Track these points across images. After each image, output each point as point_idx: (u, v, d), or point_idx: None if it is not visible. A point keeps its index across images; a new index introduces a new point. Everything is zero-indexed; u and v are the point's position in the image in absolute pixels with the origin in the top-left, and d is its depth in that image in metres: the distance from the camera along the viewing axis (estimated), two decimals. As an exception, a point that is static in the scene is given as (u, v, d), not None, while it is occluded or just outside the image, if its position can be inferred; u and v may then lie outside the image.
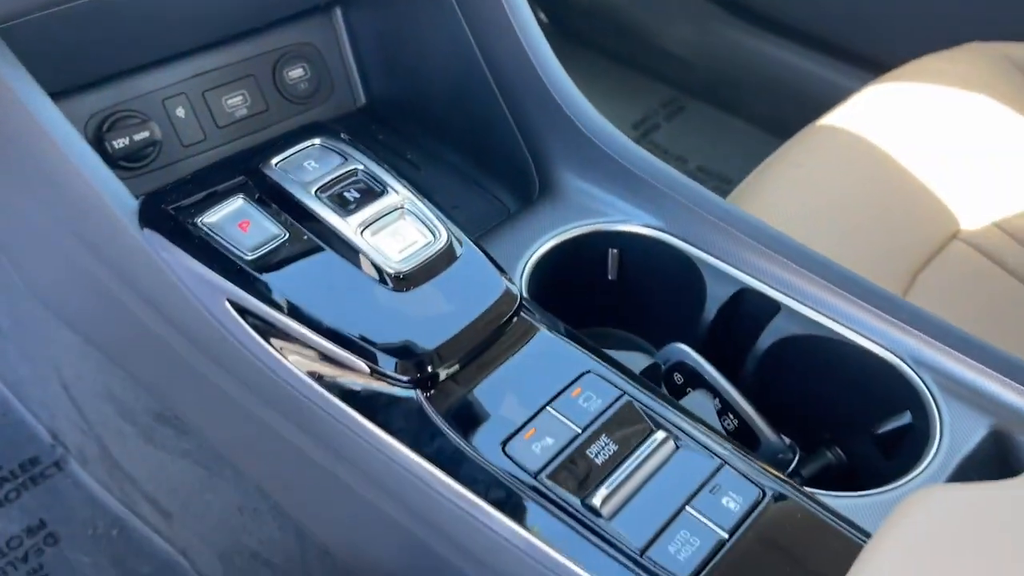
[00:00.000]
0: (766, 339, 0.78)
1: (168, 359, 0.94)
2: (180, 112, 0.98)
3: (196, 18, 0.95)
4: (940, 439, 0.68)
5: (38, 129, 0.76)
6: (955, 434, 0.68)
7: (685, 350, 0.78)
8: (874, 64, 1.55)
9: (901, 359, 0.73)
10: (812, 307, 0.77)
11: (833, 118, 1.20)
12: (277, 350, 0.69)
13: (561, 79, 0.88)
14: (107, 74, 0.94)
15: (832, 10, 1.69)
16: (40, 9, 0.77)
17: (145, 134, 0.95)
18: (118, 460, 1.17)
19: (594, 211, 0.85)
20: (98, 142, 0.93)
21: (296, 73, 1.05)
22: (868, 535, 0.60)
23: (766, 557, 0.59)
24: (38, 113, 0.76)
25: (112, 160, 0.93)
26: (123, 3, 0.84)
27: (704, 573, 0.58)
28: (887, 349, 0.73)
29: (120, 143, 0.94)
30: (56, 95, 0.79)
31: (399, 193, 0.73)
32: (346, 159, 0.75)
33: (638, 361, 0.78)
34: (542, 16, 2.11)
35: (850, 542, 0.60)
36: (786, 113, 1.53)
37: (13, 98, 0.76)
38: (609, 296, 0.88)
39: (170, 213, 0.72)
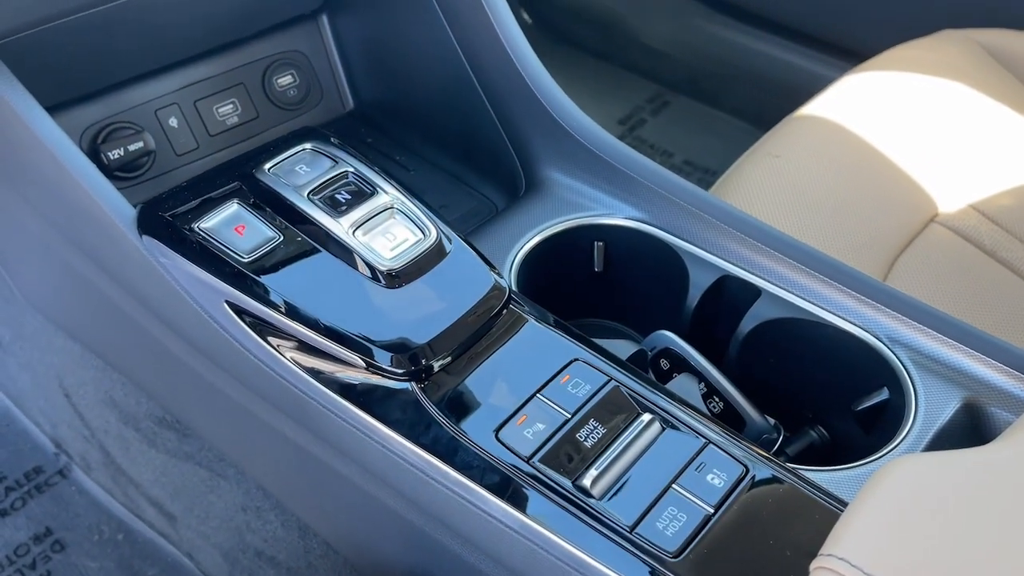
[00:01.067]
0: (748, 323, 0.80)
1: (169, 363, 0.97)
2: (173, 122, 1.01)
3: (186, 29, 0.97)
4: (916, 413, 0.71)
5: (36, 142, 0.78)
6: (930, 407, 0.71)
7: (670, 337, 0.80)
8: (850, 53, 1.57)
9: (877, 338, 0.75)
10: (792, 291, 0.79)
11: (811, 108, 1.23)
12: (275, 348, 0.72)
13: (543, 78, 0.90)
14: (101, 87, 0.96)
15: (807, 2, 1.72)
16: (34, 26, 0.80)
17: (139, 144, 0.97)
18: (121, 465, 1.19)
19: (579, 205, 0.87)
20: (93, 154, 0.95)
21: (285, 80, 1.07)
22: (846, 505, 0.62)
23: (750, 530, 0.62)
24: (35, 126, 0.78)
25: (108, 171, 0.96)
26: (114, 17, 0.86)
27: (692, 547, 0.60)
28: (864, 329, 0.76)
29: (115, 154, 0.96)
30: (51, 109, 0.81)
31: (389, 193, 0.75)
32: (337, 162, 0.77)
33: (625, 349, 0.81)
34: (525, 17, 2.13)
35: (830, 512, 0.63)
36: (767, 104, 1.56)
37: (10, 113, 0.78)
38: (596, 287, 0.90)
39: (168, 220, 0.74)
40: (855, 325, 0.76)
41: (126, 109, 0.98)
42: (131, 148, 0.97)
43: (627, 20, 2.00)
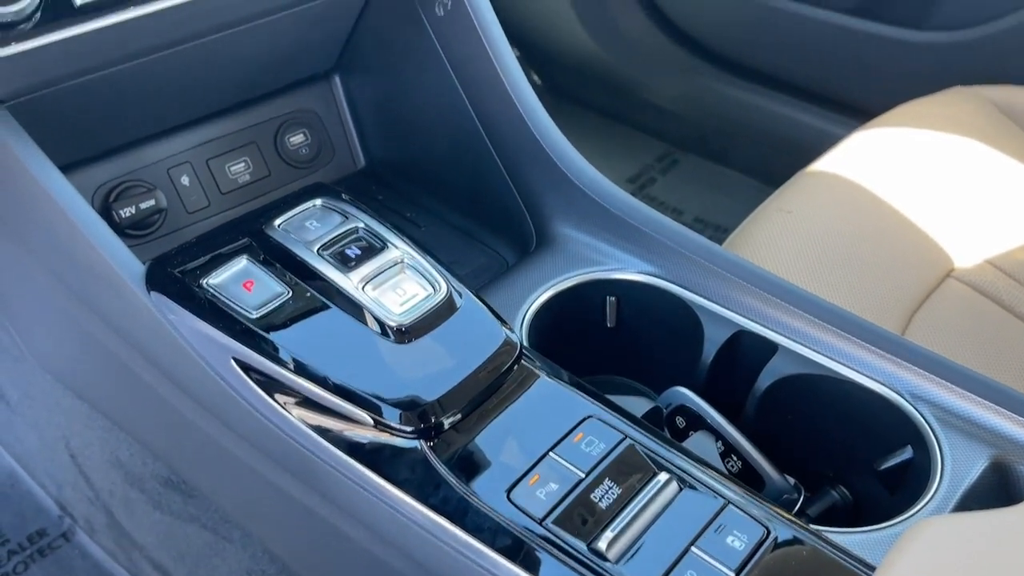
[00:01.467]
0: (765, 380, 0.79)
1: (175, 422, 0.95)
2: (185, 180, 1.01)
3: (200, 90, 0.98)
4: (942, 472, 0.69)
5: (48, 201, 0.78)
6: (956, 467, 0.69)
7: (686, 393, 0.78)
8: (859, 111, 1.58)
9: (899, 394, 0.73)
10: (809, 347, 0.77)
11: (823, 164, 1.23)
12: (282, 406, 0.70)
13: (553, 134, 0.91)
14: (114, 146, 0.96)
15: (814, 60, 1.74)
16: (48, 86, 0.80)
17: (151, 202, 0.97)
18: (125, 528, 1.17)
19: (591, 260, 0.87)
20: (105, 212, 0.95)
21: (297, 139, 1.08)
22: (873, 569, 0.60)
23: (773, 595, 0.59)
24: (48, 185, 0.79)
25: (119, 229, 0.96)
26: (128, 78, 0.87)
27: (712, 613, 0.58)
28: (884, 385, 0.74)
29: (127, 212, 0.96)
30: (65, 167, 0.82)
31: (399, 248, 0.75)
32: (347, 217, 0.77)
33: (639, 406, 0.79)
34: (535, 78, 2.17)
35: (856, 577, 0.60)
36: (777, 161, 1.56)
37: (24, 171, 0.78)
38: (609, 343, 0.89)
39: (176, 276, 0.74)
40: (875, 381, 0.74)
41: (139, 168, 0.98)
42: (143, 206, 0.97)
43: (635, 80, 2.02)
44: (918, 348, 0.75)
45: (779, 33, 1.75)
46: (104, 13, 0.76)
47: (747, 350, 0.80)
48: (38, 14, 0.72)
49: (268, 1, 0.88)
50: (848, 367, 0.76)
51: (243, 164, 1.05)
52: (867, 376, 0.75)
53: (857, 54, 1.68)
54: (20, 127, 0.79)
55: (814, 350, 0.77)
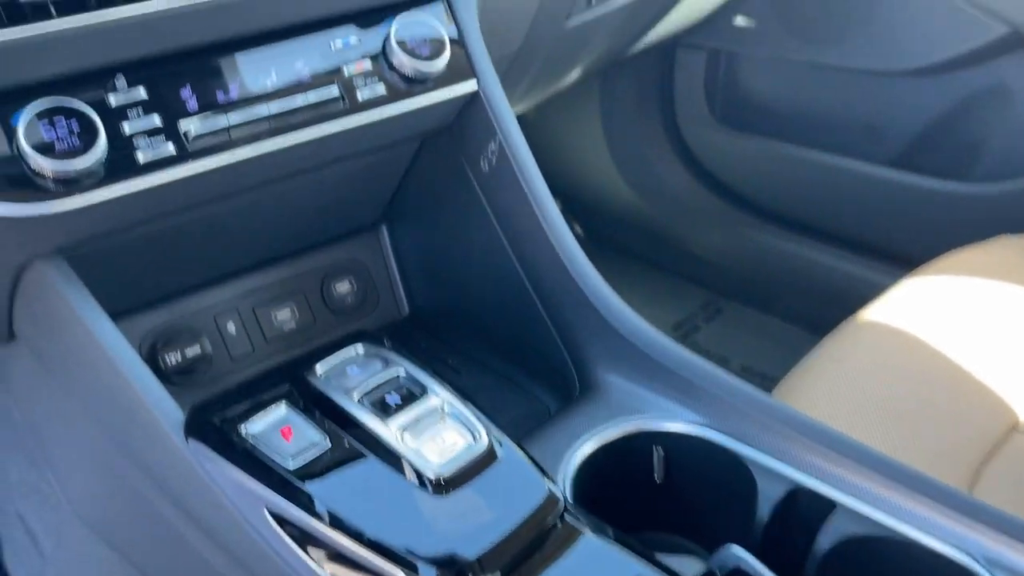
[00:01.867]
0: (825, 541, 0.74)
1: (205, 575, 0.92)
2: (231, 328, 1.02)
3: (251, 242, 1.01)
4: (1030, 649, 0.62)
5: (97, 348, 0.79)
6: (1046, 642, 0.62)
7: (741, 554, 0.73)
8: (903, 260, 1.57)
9: (974, 559, 0.68)
10: (871, 505, 0.73)
11: (872, 312, 1.20)
12: (315, 561, 0.67)
13: (595, 282, 0.90)
14: (165, 293, 0.99)
15: (856, 211, 1.75)
16: (106, 237, 0.83)
17: (196, 350, 0.98)
18: None
19: (636, 409, 0.84)
20: (152, 359, 0.96)
21: (343, 287, 1.10)
22: None
23: None
24: (98, 333, 0.80)
25: (165, 375, 0.96)
26: (183, 230, 0.90)
27: None
28: (957, 548, 0.69)
29: (173, 359, 0.97)
30: (116, 315, 0.83)
31: (439, 396, 0.74)
32: (388, 364, 0.76)
33: (691, 567, 0.74)
34: (577, 229, 2.21)
35: None
36: (823, 310, 1.54)
37: (74, 318, 0.80)
38: (657, 498, 0.85)
39: (215, 424, 0.73)
40: (946, 544, 0.69)
41: (187, 315, 1.00)
42: (188, 353, 0.98)
43: (676, 231, 2.05)
44: (990, 508, 0.70)
45: (820, 185, 1.77)
46: (167, 167, 0.79)
47: (804, 508, 0.76)
48: (102, 170, 0.75)
49: (320, 155, 0.91)
50: (915, 528, 0.71)
51: (289, 312, 1.06)
52: (937, 538, 0.70)
53: (899, 205, 1.68)
54: (75, 276, 0.81)
55: (877, 509, 0.72)
